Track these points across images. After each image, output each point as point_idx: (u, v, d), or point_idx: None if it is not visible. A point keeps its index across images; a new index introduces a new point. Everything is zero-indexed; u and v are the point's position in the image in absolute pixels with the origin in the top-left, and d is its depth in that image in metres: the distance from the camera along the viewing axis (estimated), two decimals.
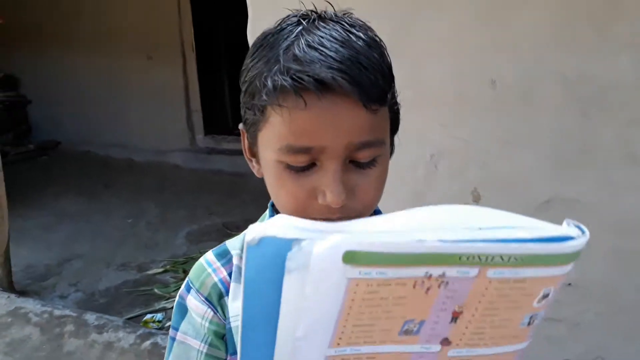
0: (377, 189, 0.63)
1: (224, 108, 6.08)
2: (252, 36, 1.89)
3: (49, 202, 4.74)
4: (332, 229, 0.42)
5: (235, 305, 0.68)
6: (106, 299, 3.17)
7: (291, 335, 0.44)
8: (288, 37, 0.59)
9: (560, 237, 0.45)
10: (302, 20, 0.61)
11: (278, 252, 0.41)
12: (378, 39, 0.63)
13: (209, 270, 0.71)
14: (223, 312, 0.69)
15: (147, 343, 2.45)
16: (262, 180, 0.69)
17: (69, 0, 5.90)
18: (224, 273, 0.71)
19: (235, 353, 0.68)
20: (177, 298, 0.73)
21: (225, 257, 0.72)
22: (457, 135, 1.66)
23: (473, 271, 0.44)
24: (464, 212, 0.48)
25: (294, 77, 0.55)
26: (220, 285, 0.70)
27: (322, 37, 0.58)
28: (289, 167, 0.60)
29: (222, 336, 0.69)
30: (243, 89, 0.65)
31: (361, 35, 0.60)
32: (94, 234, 4.10)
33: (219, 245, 0.74)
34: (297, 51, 0.57)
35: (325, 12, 0.64)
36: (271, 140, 0.60)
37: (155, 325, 2.77)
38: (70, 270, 3.54)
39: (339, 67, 0.55)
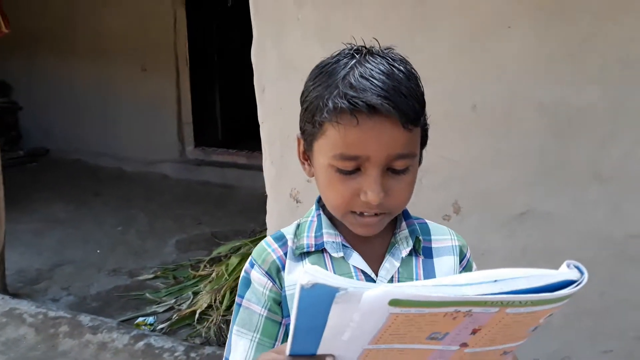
0: (408, 192, 0.80)
1: (214, 121, 6.20)
2: (256, 55, 2.02)
3: (39, 208, 4.79)
4: (368, 284, 0.54)
5: (290, 278, 0.83)
6: (98, 302, 3.23)
7: (338, 338, 0.56)
8: (345, 67, 0.75)
9: (565, 282, 0.56)
10: (355, 55, 0.77)
11: (326, 293, 0.53)
12: (414, 71, 0.79)
13: (269, 250, 0.86)
14: (280, 283, 0.83)
15: (141, 343, 2.53)
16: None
17: (65, 9, 5.99)
18: (280, 252, 0.85)
19: (289, 316, 0.82)
20: (242, 273, 0.88)
21: (281, 240, 0.87)
22: (440, 154, 1.80)
23: (494, 309, 0.55)
24: (482, 273, 0.57)
25: (350, 101, 0.72)
26: (278, 262, 0.84)
27: (372, 69, 0.73)
28: (339, 171, 0.76)
29: (279, 302, 0.83)
30: (304, 107, 0.81)
31: (402, 68, 0.75)
32: (84, 240, 4.16)
33: (276, 232, 0.90)
34: (352, 80, 0.73)
35: (372, 47, 0.79)
36: (326, 149, 0.76)
37: (147, 328, 2.85)
38: (61, 274, 3.60)
39: (385, 95, 0.71)
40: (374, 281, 0.83)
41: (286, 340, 0.61)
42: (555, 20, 1.62)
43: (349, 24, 1.83)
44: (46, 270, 3.66)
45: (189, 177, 5.69)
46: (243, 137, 5.79)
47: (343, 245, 0.85)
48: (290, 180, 2.03)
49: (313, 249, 0.85)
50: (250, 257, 0.87)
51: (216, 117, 6.22)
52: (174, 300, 3.17)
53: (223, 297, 2.99)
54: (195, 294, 3.18)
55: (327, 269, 0.82)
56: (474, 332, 0.58)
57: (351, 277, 0.83)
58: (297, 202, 2.03)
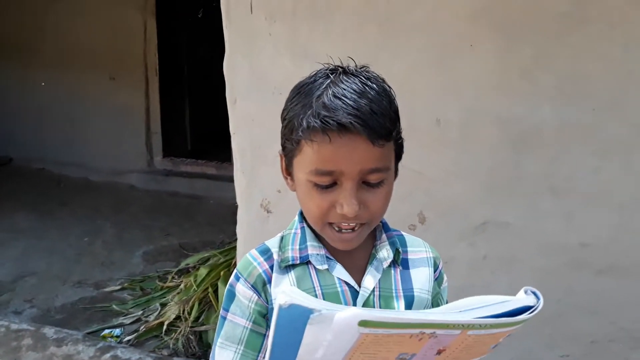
0: (384, 204, 0.84)
1: (183, 131, 6.16)
2: (228, 68, 2.06)
3: (0, 218, 4.67)
4: (341, 307, 0.59)
5: (277, 291, 0.85)
6: (62, 315, 3.17)
7: (312, 355, 0.61)
8: (319, 87, 0.80)
9: (524, 307, 0.62)
10: (330, 74, 0.82)
11: (302, 314, 0.58)
12: (388, 88, 0.84)
13: (255, 263, 0.88)
14: (266, 297, 0.86)
15: (107, 356, 2.50)
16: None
17: (32, 16, 5.89)
18: (266, 266, 0.88)
19: None
20: (227, 286, 0.89)
21: (266, 253, 0.89)
22: (406, 165, 1.86)
23: (456, 332, 0.60)
24: (457, 304, 0.64)
25: (322, 120, 0.76)
26: (264, 276, 0.87)
27: (344, 89, 0.78)
28: (316, 185, 0.81)
29: (264, 315, 0.86)
30: (283, 124, 0.85)
31: (374, 86, 0.80)
32: (48, 251, 4.07)
33: (260, 245, 0.92)
34: (325, 100, 0.78)
35: (348, 66, 0.84)
36: (303, 165, 0.81)
37: (113, 340, 2.82)
38: (24, 286, 3.52)
39: (356, 113, 0.76)
40: (357, 292, 0.86)
41: None
42: (512, 40, 1.72)
43: (317, 39, 1.89)
44: (8, 282, 3.57)
45: (157, 188, 5.62)
46: (212, 148, 5.78)
47: (327, 257, 0.88)
48: (261, 190, 2.06)
49: (298, 262, 0.87)
50: (235, 271, 0.89)
51: (185, 127, 6.19)
52: (141, 312, 3.14)
53: (192, 308, 2.98)
54: (163, 305, 3.15)
55: (312, 281, 0.86)
56: (439, 352, 0.62)
57: (336, 288, 0.86)
58: (267, 212, 2.07)
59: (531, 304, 0.62)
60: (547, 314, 1.80)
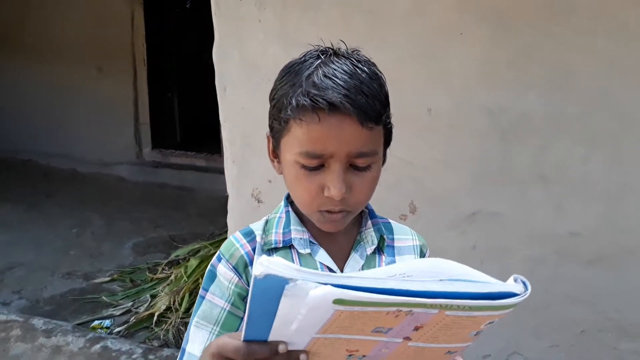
0: (370, 189, 0.83)
1: (172, 122, 6.12)
2: (217, 55, 2.05)
3: None
4: (319, 274, 0.57)
5: None
6: (51, 306, 3.15)
7: (287, 327, 0.59)
8: (310, 67, 0.78)
9: (507, 293, 0.58)
10: (321, 55, 0.80)
11: (278, 284, 0.56)
12: (379, 72, 0.82)
13: (237, 245, 0.87)
14: (247, 278, 0.85)
15: (97, 346, 2.49)
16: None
17: (16, 6, 5.81)
18: (249, 248, 0.87)
19: None
20: (208, 267, 0.88)
21: (250, 235, 0.89)
22: (396, 155, 1.87)
23: (434, 311, 0.58)
24: (432, 265, 0.61)
25: (312, 98, 0.75)
26: (246, 257, 0.86)
27: (335, 69, 0.76)
28: (304, 167, 0.79)
29: (243, 297, 0.85)
30: (272, 104, 0.83)
31: (365, 69, 0.79)
32: (36, 242, 4.04)
33: (245, 227, 0.91)
34: (315, 79, 0.76)
35: (339, 49, 0.82)
36: (292, 146, 0.79)
37: (103, 331, 2.81)
38: (12, 277, 3.49)
39: (346, 93, 0.74)
40: None
41: None
42: (500, 30, 1.72)
43: (307, 27, 1.88)
44: None
45: (146, 180, 5.59)
46: (202, 139, 5.75)
47: (310, 242, 0.87)
48: (252, 180, 2.06)
49: (281, 245, 0.87)
50: (218, 252, 0.89)
51: (174, 118, 6.15)
52: (131, 303, 3.13)
53: (182, 299, 2.98)
54: (153, 296, 3.15)
55: None
56: (416, 328, 0.61)
57: None
58: (258, 202, 2.06)
59: (517, 292, 0.58)
60: (536, 304, 1.84)
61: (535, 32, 1.68)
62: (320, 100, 0.74)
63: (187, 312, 2.91)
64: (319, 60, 0.79)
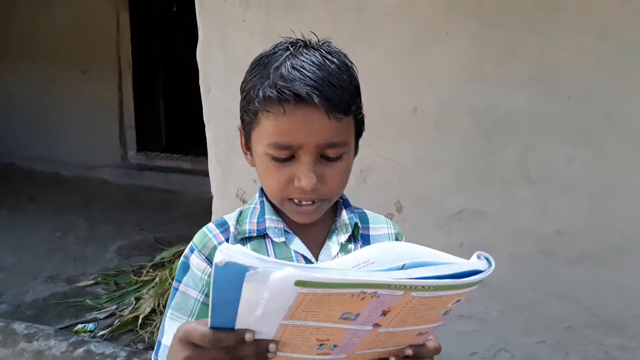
0: (342, 179, 0.83)
1: (158, 125, 6.07)
2: (201, 55, 2.03)
3: None
4: (280, 263, 0.56)
5: None
6: (33, 310, 3.10)
7: (252, 313, 0.59)
8: (278, 59, 0.78)
9: (471, 271, 0.59)
10: (290, 47, 0.80)
11: (238, 272, 0.56)
12: (349, 63, 0.82)
13: (210, 235, 0.87)
14: None
15: (80, 350, 2.45)
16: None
17: (1, 10, 5.74)
18: (222, 238, 0.87)
19: None
20: (181, 258, 0.88)
21: (223, 226, 0.88)
22: (383, 154, 1.87)
23: (399, 292, 0.58)
24: (396, 249, 0.62)
25: (279, 90, 0.74)
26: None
27: (303, 61, 0.76)
28: (274, 159, 0.79)
29: None
30: (242, 97, 0.83)
31: (334, 60, 0.79)
32: (19, 246, 3.97)
33: (218, 218, 0.90)
34: (283, 71, 0.76)
35: (310, 40, 0.82)
36: (261, 138, 0.79)
37: (87, 335, 2.76)
38: None
39: (313, 84, 0.74)
40: None
41: None
42: (486, 29, 1.73)
43: (292, 27, 1.87)
44: None
45: (131, 182, 5.54)
46: (187, 142, 5.71)
47: (285, 230, 0.87)
48: (236, 180, 2.04)
49: (255, 234, 0.86)
50: (190, 243, 0.88)
51: (160, 121, 6.10)
52: (115, 306, 3.09)
53: (167, 301, 2.94)
54: (138, 299, 3.10)
55: (268, 253, 0.85)
56: (384, 313, 0.61)
57: (292, 261, 0.85)
58: (243, 203, 2.05)
59: (481, 269, 0.59)
60: (523, 301, 1.84)
61: (520, 30, 1.69)
62: (287, 91, 0.74)
63: None
64: (288, 52, 0.79)
